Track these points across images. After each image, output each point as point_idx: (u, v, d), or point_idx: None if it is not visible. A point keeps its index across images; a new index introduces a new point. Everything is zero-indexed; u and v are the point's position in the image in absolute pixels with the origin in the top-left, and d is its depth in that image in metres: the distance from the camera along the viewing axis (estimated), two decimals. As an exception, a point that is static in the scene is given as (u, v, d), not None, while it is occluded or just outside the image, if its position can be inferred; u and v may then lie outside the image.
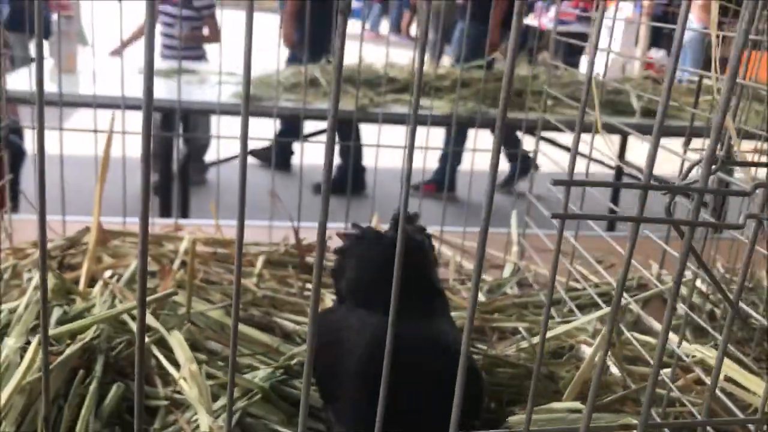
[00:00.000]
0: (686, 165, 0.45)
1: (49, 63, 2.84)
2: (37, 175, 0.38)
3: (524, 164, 2.74)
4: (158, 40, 3.56)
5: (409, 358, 0.56)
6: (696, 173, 0.43)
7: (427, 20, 0.42)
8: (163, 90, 2.46)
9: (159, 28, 3.56)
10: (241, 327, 0.90)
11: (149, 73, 0.34)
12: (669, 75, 0.38)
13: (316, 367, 0.79)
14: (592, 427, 0.44)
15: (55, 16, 2.44)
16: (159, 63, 3.03)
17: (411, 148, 0.41)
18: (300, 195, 1.21)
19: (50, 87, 1.74)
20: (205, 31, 3.76)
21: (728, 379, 0.76)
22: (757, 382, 0.70)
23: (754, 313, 0.80)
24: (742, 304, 1.02)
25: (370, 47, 2.36)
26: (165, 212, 2.42)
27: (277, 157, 3.75)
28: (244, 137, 0.37)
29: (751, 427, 0.68)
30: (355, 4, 12.91)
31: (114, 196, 1.11)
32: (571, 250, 1.17)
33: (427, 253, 0.85)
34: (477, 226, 1.29)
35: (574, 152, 0.39)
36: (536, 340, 0.95)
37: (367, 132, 1.26)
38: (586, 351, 0.92)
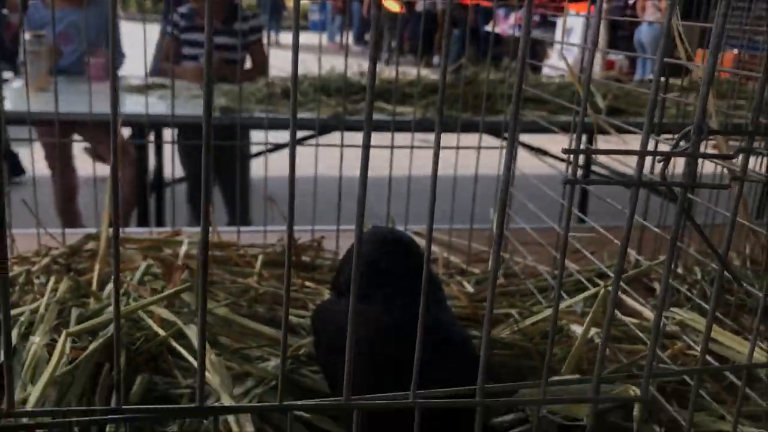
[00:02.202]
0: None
1: (19, 82, 2.85)
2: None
3: None
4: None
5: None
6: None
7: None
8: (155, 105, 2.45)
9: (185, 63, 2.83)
10: (247, 322, 0.94)
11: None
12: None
13: (324, 358, 0.83)
14: (601, 398, 0.49)
15: (27, 36, 2.45)
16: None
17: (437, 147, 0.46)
18: (291, 198, 1.25)
19: (22, 106, 1.75)
20: (248, 63, 2.97)
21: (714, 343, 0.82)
22: (742, 342, 0.76)
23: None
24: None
25: (335, 58, 2.42)
26: (143, 221, 2.43)
27: None
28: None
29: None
30: (315, 17, 12.94)
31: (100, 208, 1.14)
32: (555, 241, 1.23)
33: (417, 246, 0.91)
34: (463, 224, 1.34)
35: (581, 124, 0.44)
36: (528, 322, 1.01)
37: (348, 140, 1.31)
38: (577, 330, 0.97)
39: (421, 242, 1.38)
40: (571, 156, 0.45)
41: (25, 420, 0.41)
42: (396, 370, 0.68)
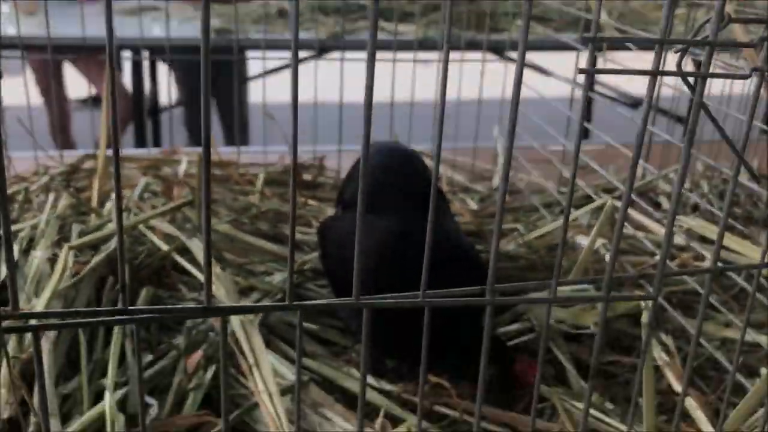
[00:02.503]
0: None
1: (6, 6, 2.76)
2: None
3: None
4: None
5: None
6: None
7: None
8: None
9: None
10: (251, 239, 0.93)
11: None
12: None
13: (329, 272, 0.83)
14: (612, 296, 0.48)
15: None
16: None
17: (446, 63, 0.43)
18: (295, 117, 1.22)
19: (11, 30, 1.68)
20: None
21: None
22: (752, 247, 0.75)
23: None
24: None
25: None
26: (140, 145, 2.39)
27: None
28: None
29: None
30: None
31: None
32: (560, 158, 1.21)
33: (422, 160, 0.90)
34: (467, 143, 1.32)
35: (597, 12, 0.41)
36: (534, 235, 1.00)
37: (348, 61, 1.28)
38: (583, 242, 0.96)
39: (426, 162, 1.37)
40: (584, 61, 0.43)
41: (33, 321, 0.40)
42: (404, 276, 0.67)
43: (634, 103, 2.92)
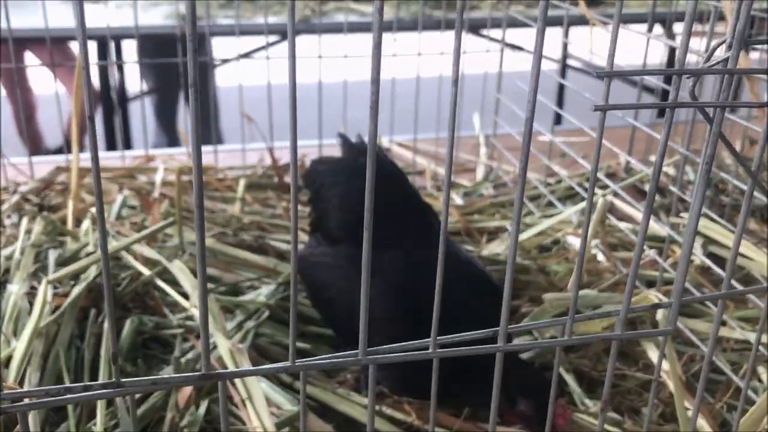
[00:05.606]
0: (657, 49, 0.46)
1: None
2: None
3: None
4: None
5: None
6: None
7: None
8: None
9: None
10: (236, 251, 0.90)
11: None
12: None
13: (332, 315, 0.75)
14: (625, 334, 0.46)
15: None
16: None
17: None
18: (270, 114, 1.18)
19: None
20: None
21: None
22: (759, 253, 0.74)
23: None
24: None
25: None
26: (110, 143, 2.33)
27: None
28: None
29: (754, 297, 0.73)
30: None
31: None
32: (548, 148, 1.19)
33: (405, 176, 0.84)
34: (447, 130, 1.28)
35: (614, 43, 0.39)
36: (524, 237, 0.98)
37: (327, 43, 1.23)
38: (574, 242, 0.95)
39: (406, 154, 1.33)
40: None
41: (7, 404, 0.37)
42: (418, 313, 0.63)
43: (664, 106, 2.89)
